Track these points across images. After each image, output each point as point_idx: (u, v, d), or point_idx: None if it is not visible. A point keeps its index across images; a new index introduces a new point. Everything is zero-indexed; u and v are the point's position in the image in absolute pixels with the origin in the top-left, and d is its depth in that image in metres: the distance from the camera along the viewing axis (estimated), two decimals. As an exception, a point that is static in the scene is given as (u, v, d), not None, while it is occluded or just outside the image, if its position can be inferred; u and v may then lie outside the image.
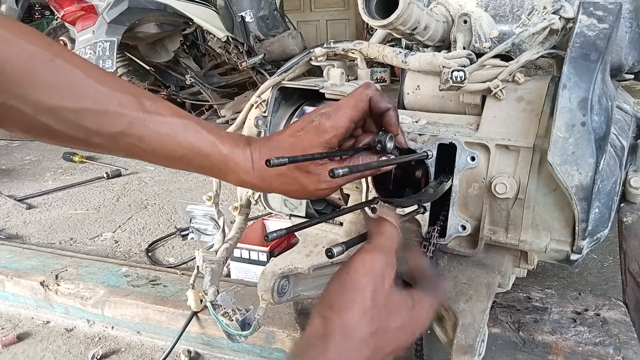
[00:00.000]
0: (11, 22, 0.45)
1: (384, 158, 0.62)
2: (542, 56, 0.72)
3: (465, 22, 0.80)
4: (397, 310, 0.48)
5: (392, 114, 0.60)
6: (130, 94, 0.51)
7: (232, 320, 0.96)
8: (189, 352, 1.28)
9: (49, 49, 0.46)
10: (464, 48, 0.77)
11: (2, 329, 1.46)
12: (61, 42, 3.61)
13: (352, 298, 0.46)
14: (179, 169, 0.58)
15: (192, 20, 3.46)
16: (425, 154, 0.67)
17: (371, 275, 0.47)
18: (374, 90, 0.58)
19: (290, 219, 0.91)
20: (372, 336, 0.45)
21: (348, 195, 0.85)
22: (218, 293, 0.99)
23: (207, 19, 3.53)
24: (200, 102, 4.18)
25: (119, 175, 2.82)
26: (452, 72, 0.68)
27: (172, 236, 1.95)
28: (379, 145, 0.60)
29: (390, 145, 0.60)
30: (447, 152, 0.73)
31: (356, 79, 0.87)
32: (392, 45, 0.85)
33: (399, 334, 0.48)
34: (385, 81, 5.70)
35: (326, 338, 0.44)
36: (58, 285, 1.46)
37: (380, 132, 0.61)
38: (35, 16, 7.03)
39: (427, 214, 0.74)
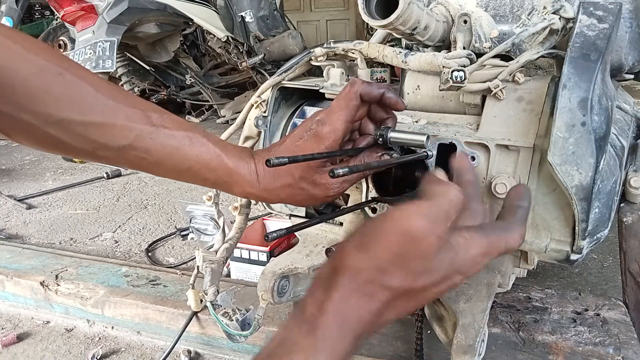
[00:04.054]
0: (22, 36, 0.46)
1: (384, 157, 0.62)
2: (542, 56, 0.72)
3: (465, 22, 0.80)
4: (427, 270, 0.39)
5: (389, 94, 0.60)
6: (137, 107, 0.52)
7: (232, 320, 0.96)
8: (189, 352, 1.28)
9: (59, 63, 0.47)
10: (464, 48, 0.77)
11: (2, 329, 1.46)
12: (61, 42, 3.61)
13: (370, 249, 0.39)
14: (185, 182, 0.58)
15: (192, 20, 3.46)
16: (425, 154, 0.67)
17: (404, 238, 0.39)
18: (360, 85, 0.59)
19: (290, 219, 0.91)
20: (387, 291, 0.39)
21: (348, 195, 0.85)
22: (218, 293, 0.98)
23: (207, 19, 3.53)
24: (200, 102, 4.19)
25: (119, 175, 2.82)
26: (452, 72, 0.68)
27: (172, 236, 1.95)
28: (380, 139, 0.61)
29: (391, 135, 0.60)
30: (447, 152, 0.73)
31: (356, 78, 0.87)
32: (392, 45, 0.85)
33: (426, 290, 0.40)
34: (385, 81, 5.70)
35: (331, 286, 0.39)
36: (58, 285, 1.46)
37: (381, 127, 0.61)
38: (35, 16, 7.03)
39: None
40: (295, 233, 0.86)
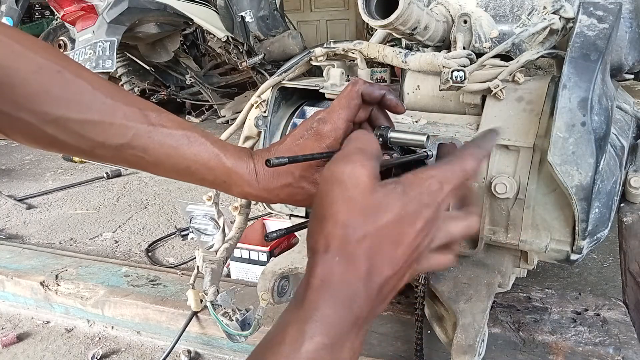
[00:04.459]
0: (21, 34, 0.46)
1: (384, 157, 0.62)
2: (542, 56, 0.72)
3: (465, 22, 0.80)
4: (382, 204, 0.40)
5: (390, 96, 0.60)
6: (135, 106, 0.52)
7: (232, 320, 0.96)
8: (189, 352, 1.28)
9: (58, 62, 0.47)
10: (464, 48, 0.77)
11: (2, 329, 1.46)
12: (61, 42, 3.61)
13: (324, 217, 0.41)
14: (183, 181, 0.58)
15: (192, 20, 3.46)
16: (426, 154, 0.67)
17: (337, 186, 0.41)
18: (362, 84, 0.59)
19: (290, 218, 0.92)
20: (361, 243, 0.39)
21: (348, 195, 0.85)
22: (218, 293, 0.98)
23: (207, 19, 3.53)
24: (200, 102, 4.19)
25: (119, 175, 2.82)
26: (452, 72, 0.68)
27: (172, 236, 1.95)
28: (380, 139, 0.61)
29: (391, 135, 0.60)
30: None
31: (356, 78, 0.87)
32: (392, 45, 0.85)
33: (399, 227, 0.40)
34: (385, 81, 5.70)
35: (311, 267, 0.40)
36: (58, 285, 1.46)
37: (382, 127, 0.61)
38: (35, 16, 7.02)
39: None
40: (295, 233, 0.86)
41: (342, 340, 0.38)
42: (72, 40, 3.42)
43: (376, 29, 1.00)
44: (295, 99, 0.92)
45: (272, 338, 0.38)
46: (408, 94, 0.87)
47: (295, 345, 0.36)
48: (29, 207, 2.38)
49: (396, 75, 5.62)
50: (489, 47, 0.79)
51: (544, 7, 0.69)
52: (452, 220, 0.45)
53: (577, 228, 0.66)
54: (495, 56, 0.71)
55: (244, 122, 0.91)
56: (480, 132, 0.52)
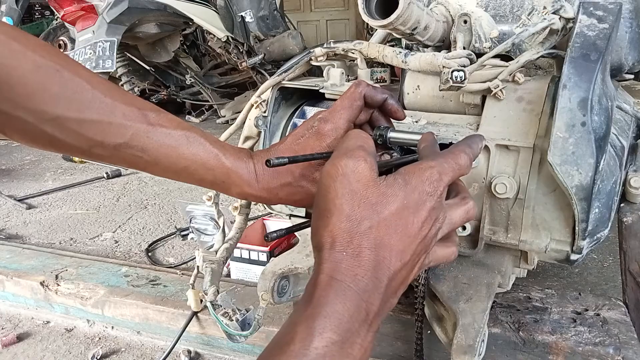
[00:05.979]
0: (20, 33, 0.46)
1: (384, 157, 0.62)
2: (542, 56, 0.72)
3: (465, 22, 0.80)
4: (385, 196, 0.41)
5: (391, 101, 0.60)
6: (134, 106, 0.52)
7: (232, 320, 0.96)
8: (189, 352, 1.28)
9: (56, 61, 0.47)
10: (464, 48, 0.77)
11: (2, 329, 1.46)
12: (61, 42, 3.61)
13: (328, 211, 0.41)
14: (182, 181, 0.58)
15: (192, 20, 3.46)
16: (425, 154, 0.67)
17: (340, 180, 0.41)
18: (365, 86, 0.59)
19: (290, 219, 0.91)
20: (367, 235, 0.40)
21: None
22: (218, 293, 0.98)
23: (207, 19, 3.54)
24: (200, 102, 4.19)
25: (119, 175, 2.82)
26: (452, 72, 0.68)
27: (172, 236, 1.95)
28: (380, 139, 0.61)
29: (391, 135, 0.60)
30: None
31: (356, 79, 0.87)
32: (392, 45, 0.85)
33: (404, 217, 0.41)
34: (385, 81, 5.70)
35: (319, 265, 0.40)
36: (58, 285, 1.46)
37: (381, 127, 0.61)
38: (35, 16, 7.02)
39: None
40: (295, 233, 0.86)
41: (352, 336, 0.37)
42: (72, 40, 3.42)
43: (376, 29, 1.00)
44: (295, 99, 0.91)
45: (281, 337, 0.38)
46: (408, 94, 0.87)
47: (305, 343, 0.36)
48: (29, 207, 2.38)
49: (396, 75, 5.63)
50: (489, 47, 0.79)
51: (544, 7, 0.69)
52: (451, 208, 0.46)
53: (577, 228, 0.66)
54: (495, 56, 0.71)
55: (244, 122, 0.91)
56: (466, 136, 0.54)
